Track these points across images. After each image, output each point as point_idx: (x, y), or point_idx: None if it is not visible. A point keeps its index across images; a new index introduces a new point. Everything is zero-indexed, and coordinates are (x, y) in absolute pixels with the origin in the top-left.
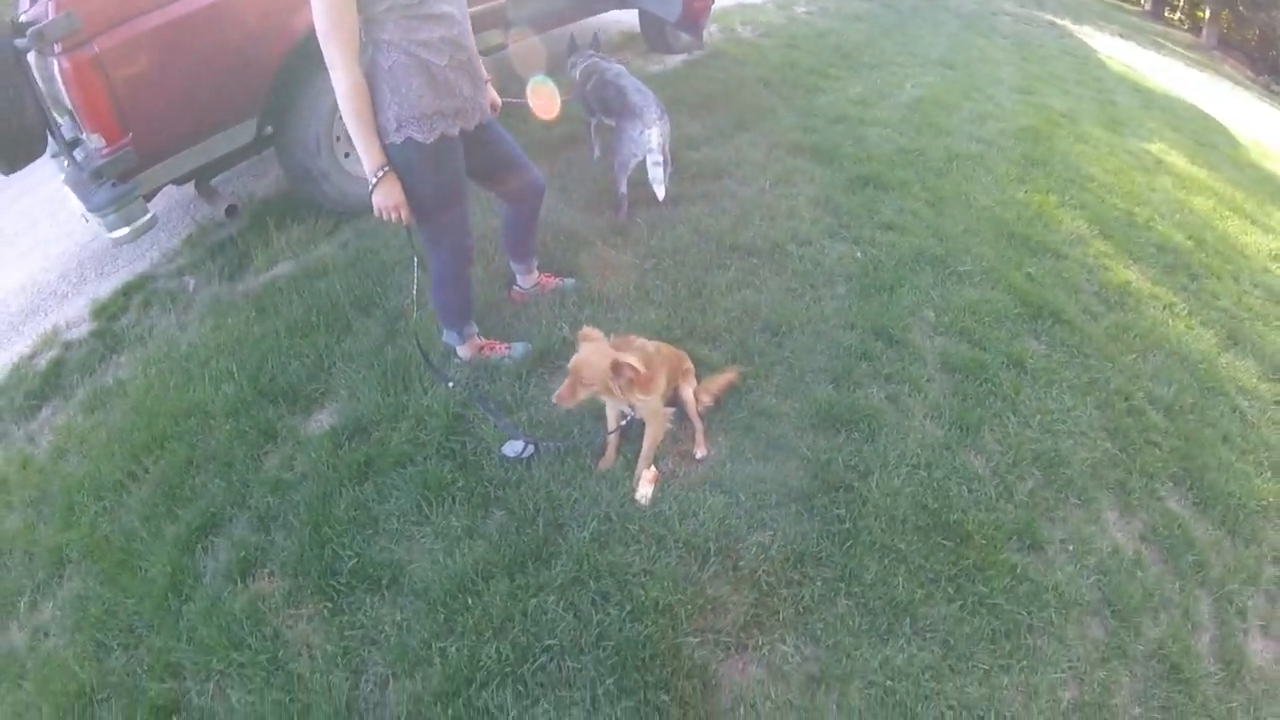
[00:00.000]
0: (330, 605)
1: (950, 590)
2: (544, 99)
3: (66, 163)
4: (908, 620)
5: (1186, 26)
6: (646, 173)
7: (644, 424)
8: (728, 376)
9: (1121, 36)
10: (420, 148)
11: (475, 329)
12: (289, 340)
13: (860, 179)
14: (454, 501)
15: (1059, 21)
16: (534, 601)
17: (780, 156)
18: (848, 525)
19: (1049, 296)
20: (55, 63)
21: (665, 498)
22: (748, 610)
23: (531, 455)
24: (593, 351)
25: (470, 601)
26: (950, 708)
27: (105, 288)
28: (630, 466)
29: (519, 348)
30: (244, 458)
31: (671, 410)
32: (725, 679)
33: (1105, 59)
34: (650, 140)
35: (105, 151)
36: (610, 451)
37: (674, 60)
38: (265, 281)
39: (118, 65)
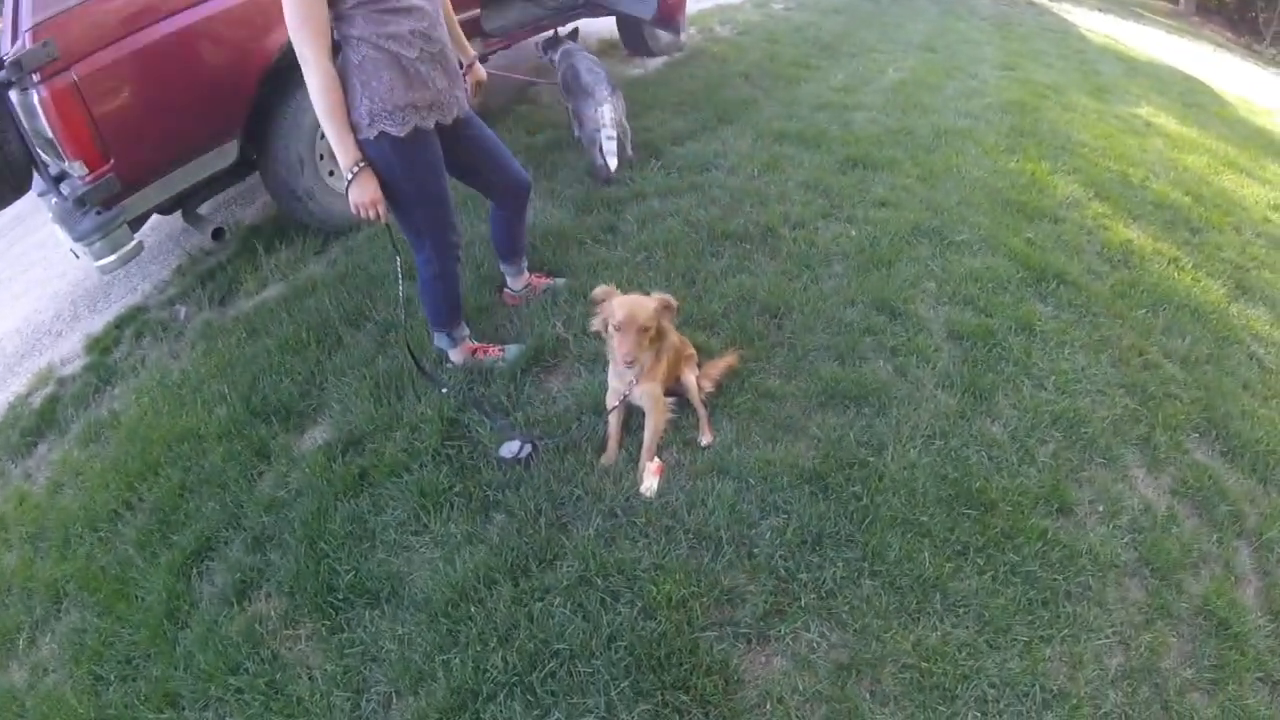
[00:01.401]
0: (328, 623)
1: (980, 561)
2: None
3: (54, 200)
4: (938, 596)
5: None
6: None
7: (644, 414)
8: (728, 360)
9: (1100, 10)
10: (394, 141)
11: (467, 332)
12: (280, 358)
13: (849, 160)
14: (452, 508)
15: (1036, 0)
16: (540, 605)
17: (766, 145)
18: (865, 502)
19: (1051, 259)
20: (35, 93)
21: (671, 488)
22: (766, 599)
23: (529, 455)
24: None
25: (473, 610)
26: (992, 685)
27: (98, 323)
28: (633, 460)
29: (512, 349)
30: (237, 479)
31: (672, 400)
32: (748, 673)
33: (1085, 32)
34: (603, 116)
35: (88, 179)
36: (612, 445)
37: (655, 63)
38: (255, 304)
39: (96, 91)
